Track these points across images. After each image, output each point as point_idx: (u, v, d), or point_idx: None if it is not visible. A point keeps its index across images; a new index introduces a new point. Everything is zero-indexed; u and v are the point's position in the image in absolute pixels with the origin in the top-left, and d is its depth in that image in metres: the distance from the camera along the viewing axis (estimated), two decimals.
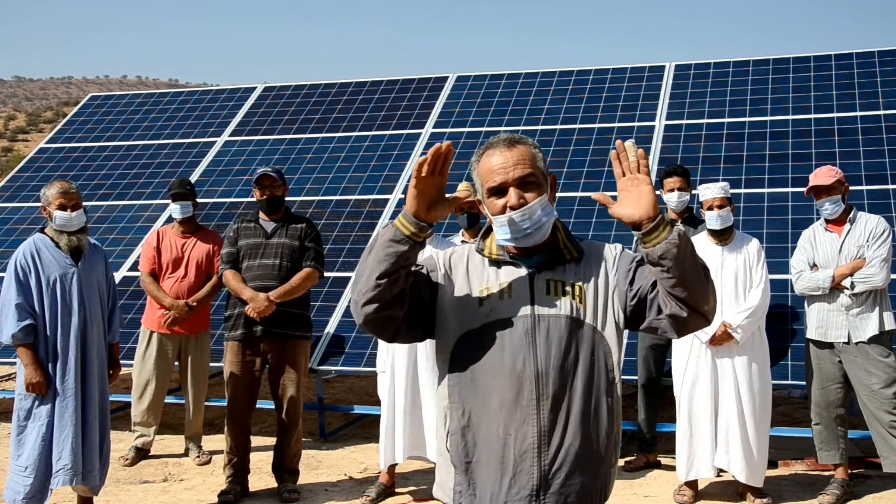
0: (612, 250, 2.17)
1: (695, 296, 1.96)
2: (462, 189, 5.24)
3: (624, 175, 1.98)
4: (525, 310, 2.07)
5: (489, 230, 2.19)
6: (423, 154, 7.83)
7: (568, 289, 2.09)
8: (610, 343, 2.11)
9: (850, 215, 4.77)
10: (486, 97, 8.53)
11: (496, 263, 2.14)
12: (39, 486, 4.18)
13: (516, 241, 2.07)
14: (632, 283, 2.08)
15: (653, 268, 1.96)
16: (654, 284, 2.04)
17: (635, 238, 1.99)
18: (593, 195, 1.95)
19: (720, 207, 4.70)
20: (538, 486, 2.03)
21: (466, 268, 2.15)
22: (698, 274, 1.96)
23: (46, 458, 4.18)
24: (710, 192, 4.74)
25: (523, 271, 2.11)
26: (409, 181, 7.62)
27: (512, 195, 2.05)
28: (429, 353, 4.54)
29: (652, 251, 1.93)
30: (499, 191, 2.07)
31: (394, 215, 7.22)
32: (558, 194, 6.94)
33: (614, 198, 1.98)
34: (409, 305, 2.07)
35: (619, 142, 1.93)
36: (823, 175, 4.75)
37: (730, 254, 4.73)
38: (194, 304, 5.60)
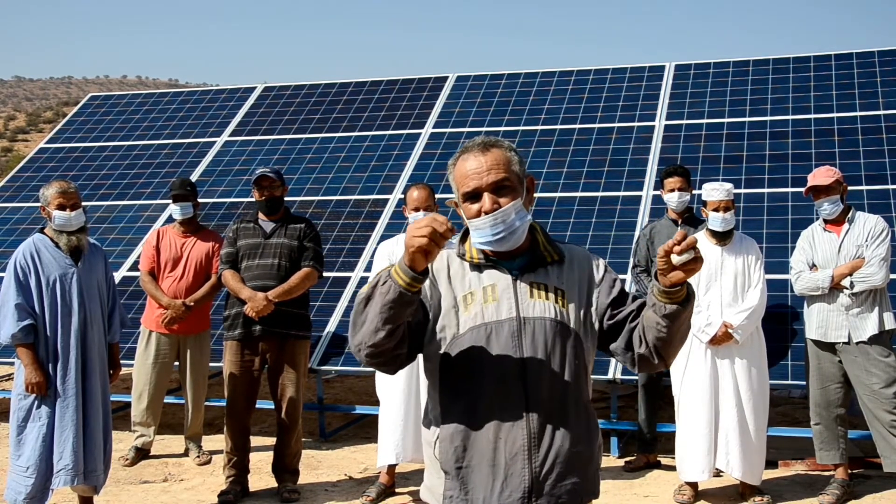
0: (596, 264, 2.19)
1: (673, 350, 2.07)
2: None
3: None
4: (510, 313, 2.08)
5: (466, 234, 2.18)
6: (422, 153, 7.85)
7: (551, 292, 2.11)
8: (587, 348, 2.14)
9: (849, 215, 4.77)
10: (486, 97, 8.53)
11: (477, 267, 2.14)
12: (41, 486, 4.18)
13: (490, 245, 2.07)
14: (613, 305, 2.13)
15: (654, 316, 2.01)
16: (635, 316, 2.11)
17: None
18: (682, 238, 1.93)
19: (726, 210, 4.69)
20: (530, 489, 2.04)
21: (448, 274, 2.14)
22: (684, 338, 2.07)
23: (48, 458, 4.18)
24: (717, 193, 4.72)
25: (506, 274, 2.11)
26: (408, 181, 7.62)
27: (486, 200, 2.05)
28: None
29: (662, 307, 1.98)
30: (473, 196, 2.07)
31: (394, 215, 7.22)
32: (559, 195, 7.03)
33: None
34: (409, 336, 2.08)
35: (691, 238, 1.92)
36: (822, 175, 4.75)
37: (729, 254, 4.73)
38: (191, 303, 5.59)
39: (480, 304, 2.09)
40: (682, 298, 1.98)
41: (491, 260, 2.13)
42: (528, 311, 2.08)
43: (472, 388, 2.07)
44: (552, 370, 2.06)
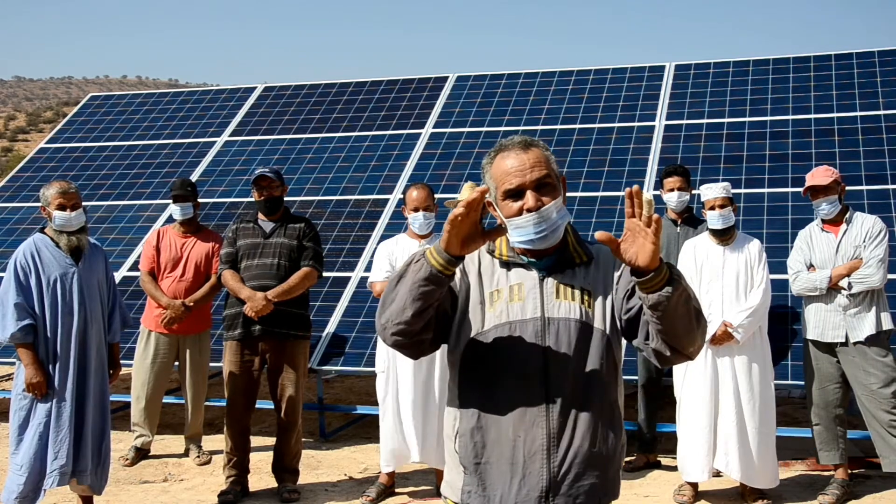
0: (618, 261, 2.15)
1: (680, 341, 1.97)
2: (466, 189, 5.23)
3: (633, 216, 1.91)
4: (535, 312, 2.07)
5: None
6: (422, 153, 7.85)
7: (577, 293, 2.10)
8: (615, 347, 2.13)
9: (847, 215, 4.77)
10: (486, 97, 8.53)
11: (506, 265, 2.14)
12: (33, 485, 4.17)
13: (532, 243, 2.07)
14: (629, 297, 2.07)
15: (645, 308, 1.95)
16: None
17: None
18: (597, 234, 1.90)
19: (722, 207, 4.70)
20: (547, 488, 2.04)
21: (478, 269, 2.15)
22: (688, 322, 1.96)
23: (42, 458, 4.18)
24: (711, 192, 4.74)
25: (534, 274, 2.11)
26: (408, 181, 7.63)
27: (529, 198, 2.04)
28: (443, 356, 4.53)
29: (645, 298, 1.92)
30: (515, 193, 2.07)
31: (394, 215, 7.22)
32: None
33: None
34: (436, 323, 2.08)
35: (636, 187, 1.89)
36: (820, 175, 4.75)
37: (731, 254, 4.73)
38: (191, 304, 5.59)
39: (506, 303, 2.09)
40: (662, 284, 1.89)
41: (520, 258, 2.13)
42: (552, 312, 2.07)
43: (492, 386, 2.08)
44: (575, 371, 2.06)
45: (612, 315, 2.12)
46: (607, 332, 2.10)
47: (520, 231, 2.06)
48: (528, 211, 2.04)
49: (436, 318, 2.06)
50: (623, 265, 2.10)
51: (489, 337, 2.08)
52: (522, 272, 2.12)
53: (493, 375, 2.07)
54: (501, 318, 2.08)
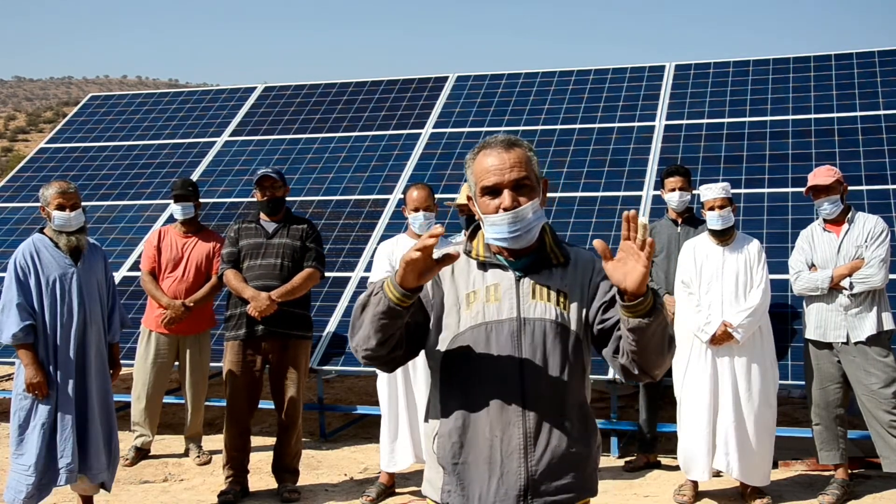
0: (597, 268, 2.17)
1: (648, 363, 2.02)
2: (466, 190, 5.24)
3: (628, 239, 1.93)
4: (511, 313, 2.09)
5: (475, 231, 2.20)
6: (422, 153, 7.84)
7: (553, 294, 2.11)
8: (585, 350, 2.15)
9: (849, 215, 4.77)
10: (486, 97, 8.53)
11: (483, 266, 2.15)
12: (40, 484, 4.19)
13: (506, 241, 2.08)
14: (605, 309, 2.10)
15: (623, 329, 1.98)
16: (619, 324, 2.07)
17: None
18: (595, 243, 1.94)
19: (721, 208, 4.70)
20: (525, 487, 2.06)
21: (452, 270, 2.15)
22: (661, 348, 2.00)
23: (48, 458, 4.19)
24: (711, 192, 4.74)
25: (510, 274, 2.12)
26: (409, 181, 7.62)
27: (506, 197, 2.06)
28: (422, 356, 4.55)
29: (626, 321, 1.95)
30: (493, 191, 2.09)
31: (394, 215, 7.22)
32: (559, 195, 7.03)
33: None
34: (407, 337, 2.09)
35: (632, 212, 1.93)
36: (822, 175, 4.75)
37: (731, 254, 4.73)
38: (191, 304, 5.59)
39: (482, 303, 2.10)
40: (645, 312, 1.93)
41: (497, 259, 2.14)
42: (528, 312, 2.09)
43: (470, 386, 2.09)
44: (550, 371, 2.07)
45: (586, 320, 2.13)
46: (580, 334, 2.12)
47: (495, 229, 2.08)
48: (505, 210, 2.06)
49: (407, 332, 2.08)
50: (599, 280, 2.14)
51: (466, 338, 2.09)
52: (499, 273, 2.13)
53: (469, 376, 2.09)
54: (477, 319, 2.09)
